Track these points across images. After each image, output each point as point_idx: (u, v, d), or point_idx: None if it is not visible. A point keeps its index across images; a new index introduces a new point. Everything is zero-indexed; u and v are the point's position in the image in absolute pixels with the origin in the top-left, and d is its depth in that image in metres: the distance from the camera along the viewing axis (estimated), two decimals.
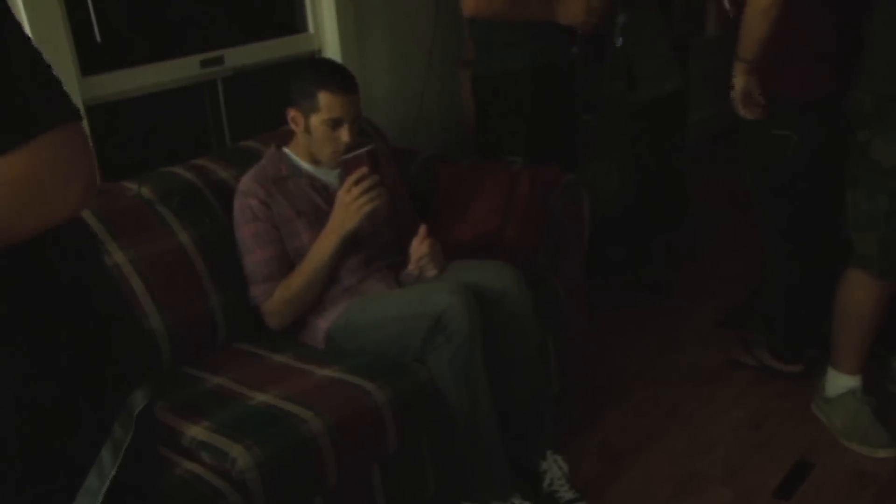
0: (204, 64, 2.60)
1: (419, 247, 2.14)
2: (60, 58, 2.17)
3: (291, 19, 2.90)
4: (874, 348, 2.30)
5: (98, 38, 2.31)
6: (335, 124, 2.12)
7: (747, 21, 2.19)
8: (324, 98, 2.10)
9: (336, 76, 2.14)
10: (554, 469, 2.14)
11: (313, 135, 2.15)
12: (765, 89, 2.32)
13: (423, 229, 2.15)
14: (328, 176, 2.23)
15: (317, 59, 2.84)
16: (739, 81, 2.27)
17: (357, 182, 2.06)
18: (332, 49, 2.88)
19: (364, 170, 2.06)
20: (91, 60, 2.33)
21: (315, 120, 2.13)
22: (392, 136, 2.81)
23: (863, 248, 2.18)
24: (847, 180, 2.18)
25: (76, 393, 0.99)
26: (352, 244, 2.14)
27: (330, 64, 2.27)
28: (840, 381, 2.31)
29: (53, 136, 0.89)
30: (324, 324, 2.13)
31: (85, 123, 0.97)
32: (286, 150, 2.24)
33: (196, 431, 1.79)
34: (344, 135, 2.13)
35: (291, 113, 2.17)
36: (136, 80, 2.45)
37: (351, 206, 2.07)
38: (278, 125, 2.36)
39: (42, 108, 0.90)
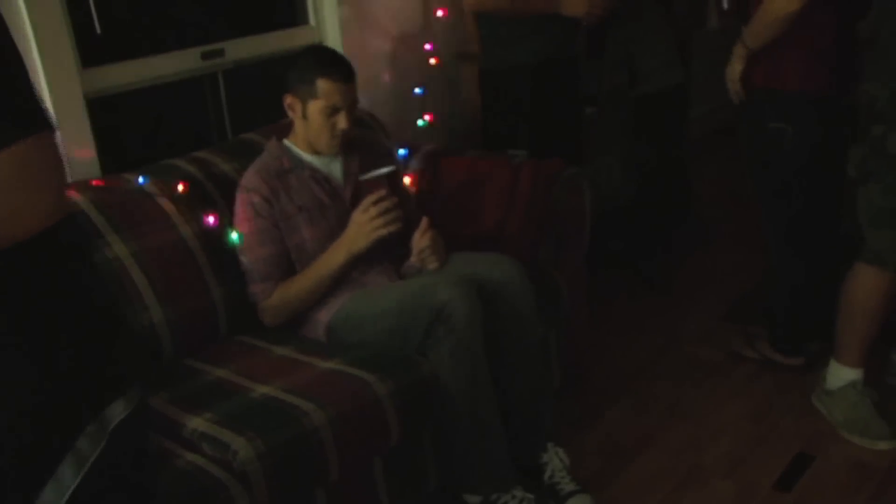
0: (205, 56, 2.59)
1: (421, 239, 2.14)
2: (60, 50, 2.16)
3: (292, 12, 2.90)
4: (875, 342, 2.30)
5: (98, 30, 2.30)
6: (333, 111, 2.13)
7: (766, 21, 2.17)
8: (323, 85, 2.10)
9: (335, 64, 2.14)
10: (555, 461, 2.14)
11: (310, 121, 2.15)
12: (764, 84, 2.32)
13: (424, 222, 2.15)
14: (329, 166, 2.23)
15: (315, 46, 2.83)
16: (738, 65, 2.33)
17: (375, 203, 2.06)
18: (333, 41, 2.87)
19: (383, 192, 2.07)
20: (91, 52, 2.32)
21: (313, 107, 2.13)
22: (394, 130, 2.80)
23: (877, 244, 2.15)
24: (856, 177, 2.16)
25: (76, 396, 0.98)
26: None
27: (328, 51, 2.27)
28: (842, 374, 2.31)
29: (22, 147, 0.86)
30: (325, 316, 2.13)
31: (59, 133, 0.93)
32: (286, 142, 2.24)
33: (197, 423, 1.79)
34: (341, 121, 2.14)
35: (288, 99, 2.17)
36: (137, 73, 2.44)
37: (365, 227, 2.07)
38: (279, 118, 2.35)
39: (10, 120, 0.87)
